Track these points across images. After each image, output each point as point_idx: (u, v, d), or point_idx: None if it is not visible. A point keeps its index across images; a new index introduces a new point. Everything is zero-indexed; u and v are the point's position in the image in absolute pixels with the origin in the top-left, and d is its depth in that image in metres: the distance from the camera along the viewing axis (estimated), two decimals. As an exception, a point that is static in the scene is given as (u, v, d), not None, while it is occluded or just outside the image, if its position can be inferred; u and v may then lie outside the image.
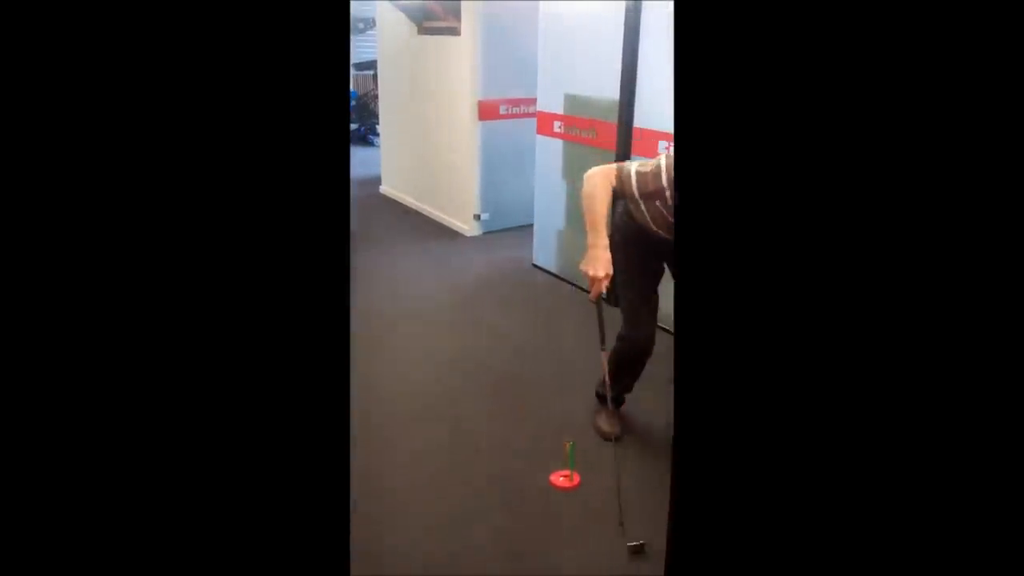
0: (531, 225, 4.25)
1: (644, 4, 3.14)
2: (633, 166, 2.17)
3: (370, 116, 8.30)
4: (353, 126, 8.50)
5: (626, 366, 2.43)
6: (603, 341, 2.34)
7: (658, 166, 2.13)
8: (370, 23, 7.99)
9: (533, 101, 4.11)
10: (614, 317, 2.37)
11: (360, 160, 7.25)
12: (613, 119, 3.39)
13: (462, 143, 4.71)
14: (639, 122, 3.29)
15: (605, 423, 2.50)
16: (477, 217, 4.80)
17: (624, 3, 3.19)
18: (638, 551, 1.93)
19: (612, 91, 3.36)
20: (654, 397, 2.68)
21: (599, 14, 3.41)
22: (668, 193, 2.10)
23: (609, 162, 3.42)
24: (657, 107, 3.20)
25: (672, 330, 2.33)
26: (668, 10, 2.94)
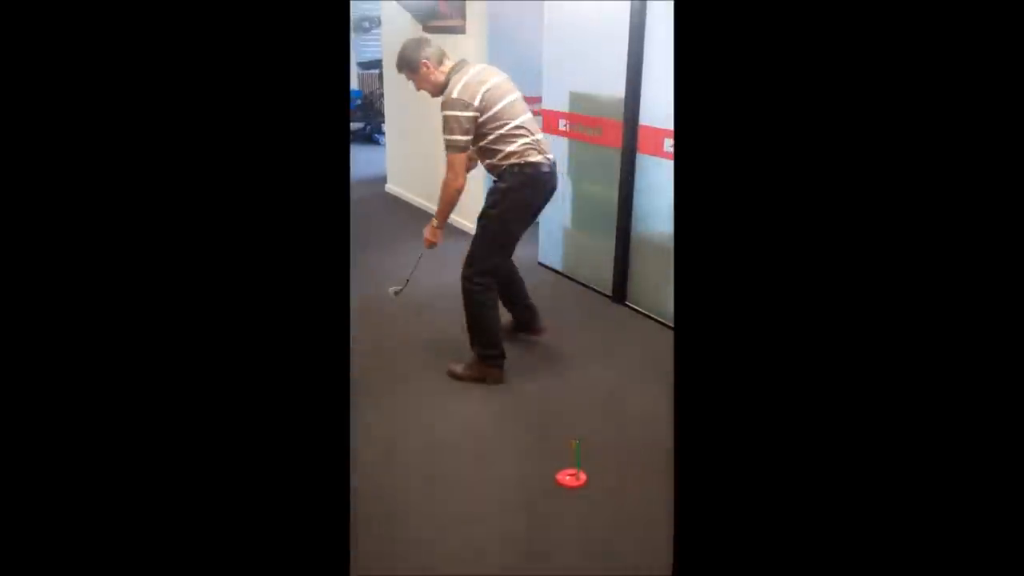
0: (536, 224, 4.25)
1: (649, 3, 3.13)
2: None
3: (376, 115, 8.30)
4: (359, 125, 8.51)
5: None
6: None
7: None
8: (376, 22, 8.00)
9: (538, 99, 4.10)
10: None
11: (366, 159, 7.25)
12: (619, 117, 3.38)
13: (468, 142, 4.70)
14: (645, 120, 3.28)
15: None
16: (483, 216, 4.79)
17: (629, 1, 3.19)
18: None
19: (617, 89, 3.35)
20: (655, 395, 2.67)
21: (604, 12, 3.41)
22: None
23: (615, 160, 3.43)
24: (663, 105, 3.19)
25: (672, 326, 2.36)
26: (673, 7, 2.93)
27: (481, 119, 2.63)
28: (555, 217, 4.04)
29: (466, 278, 2.78)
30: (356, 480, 2.00)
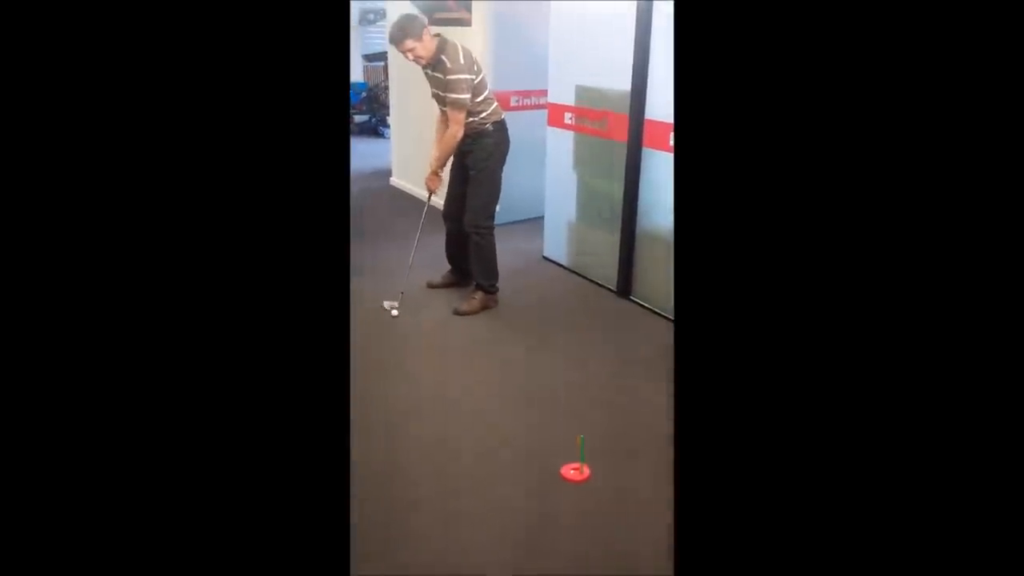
0: (542, 217, 4.24)
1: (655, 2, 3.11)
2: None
3: (381, 107, 8.29)
4: (364, 117, 8.50)
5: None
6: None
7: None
8: (381, 14, 7.98)
9: (544, 93, 4.08)
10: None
11: (371, 152, 7.25)
12: (624, 110, 3.36)
13: (473, 135, 4.69)
14: (651, 114, 3.27)
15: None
16: (488, 209, 4.78)
17: (636, -4, 3.17)
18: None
19: (623, 82, 3.33)
20: (659, 390, 2.67)
21: (610, 4, 3.39)
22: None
23: (620, 154, 3.42)
24: (669, 99, 3.17)
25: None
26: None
27: (475, 83, 3.11)
28: (560, 211, 4.03)
29: (477, 227, 3.28)
30: (356, 479, 2.00)
